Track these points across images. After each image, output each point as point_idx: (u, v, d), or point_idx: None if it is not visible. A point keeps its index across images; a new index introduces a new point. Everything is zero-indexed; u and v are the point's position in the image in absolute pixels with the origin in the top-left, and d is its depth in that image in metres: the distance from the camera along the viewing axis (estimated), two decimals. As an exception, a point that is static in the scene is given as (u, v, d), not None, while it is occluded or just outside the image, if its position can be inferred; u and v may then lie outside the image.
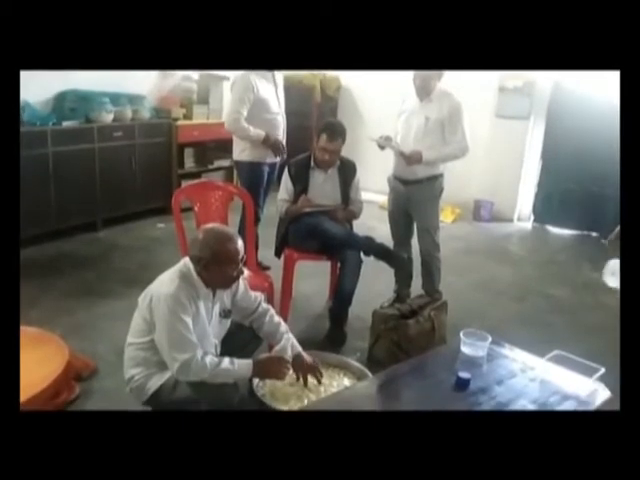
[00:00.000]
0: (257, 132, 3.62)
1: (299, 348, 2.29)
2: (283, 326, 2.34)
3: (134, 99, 5.05)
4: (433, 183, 3.32)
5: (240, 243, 2.11)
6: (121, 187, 4.99)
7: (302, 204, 3.21)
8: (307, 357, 2.28)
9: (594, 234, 5.70)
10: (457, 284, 4.04)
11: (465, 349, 2.13)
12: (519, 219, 6.23)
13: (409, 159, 3.17)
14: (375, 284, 3.65)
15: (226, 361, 2.02)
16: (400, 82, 3.51)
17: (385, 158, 3.66)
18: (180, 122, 5.42)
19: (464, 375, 1.91)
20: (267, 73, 3.66)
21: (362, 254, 3.13)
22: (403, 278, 3.54)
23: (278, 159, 3.89)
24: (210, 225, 2.19)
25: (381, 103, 6.20)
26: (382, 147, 3.32)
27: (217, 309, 2.22)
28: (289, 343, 2.19)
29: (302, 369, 2.24)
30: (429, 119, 3.17)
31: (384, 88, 5.87)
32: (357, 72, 6.35)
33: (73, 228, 4.65)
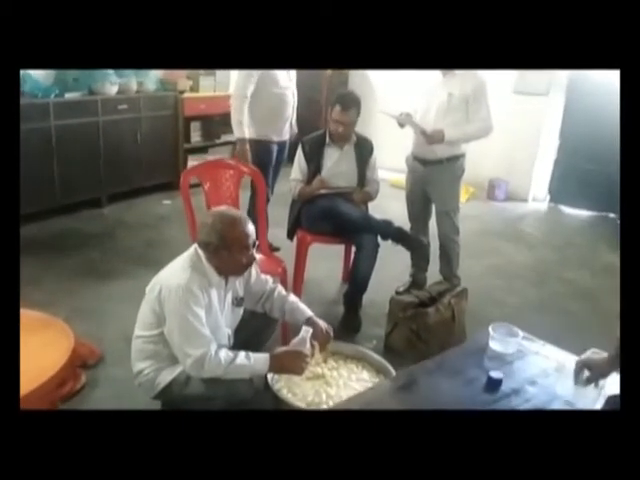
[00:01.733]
0: (242, 130, 3.43)
1: (309, 312, 2.18)
2: (291, 296, 2.23)
3: (139, 70, 4.84)
4: (454, 164, 3.16)
5: (250, 227, 1.98)
6: (126, 162, 4.83)
7: (316, 185, 3.06)
8: (321, 322, 2.15)
9: (611, 215, 5.54)
10: (473, 268, 3.90)
11: (494, 345, 2.00)
12: (534, 199, 6.07)
13: (431, 138, 2.99)
14: (389, 267, 3.52)
15: (241, 356, 1.90)
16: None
17: (398, 134, 3.47)
18: (186, 95, 5.24)
19: (496, 375, 1.79)
20: None
21: (379, 238, 2.99)
22: (420, 262, 3.41)
23: (287, 137, 3.72)
24: (218, 208, 2.06)
25: (394, 76, 6.01)
26: (402, 125, 3.14)
27: (230, 297, 2.11)
28: (308, 335, 2.06)
29: (315, 335, 2.08)
30: (452, 95, 2.99)
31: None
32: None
33: (77, 204, 4.51)
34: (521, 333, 2.01)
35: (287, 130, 3.72)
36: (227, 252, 1.92)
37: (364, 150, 3.20)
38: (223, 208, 2.10)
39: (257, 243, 2.01)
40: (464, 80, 2.98)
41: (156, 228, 4.38)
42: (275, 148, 3.65)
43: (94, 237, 4.08)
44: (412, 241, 3.03)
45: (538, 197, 6.07)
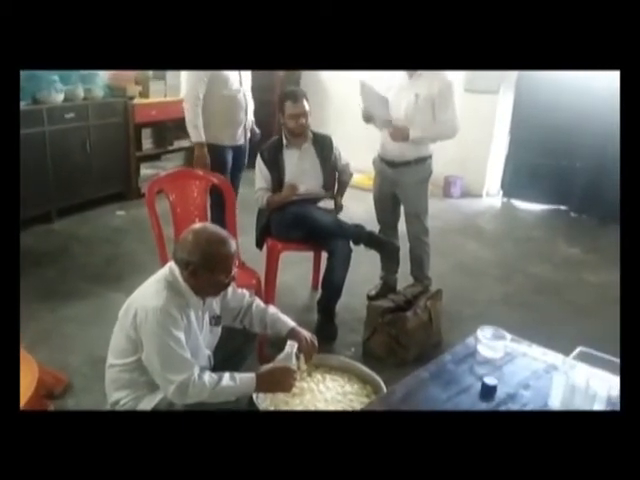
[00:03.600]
0: (199, 134, 3.32)
1: (292, 323, 2.10)
2: (270, 307, 2.15)
3: (86, 76, 4.64)
4: (422, 165, 3.14)
5: (234, 247, 1.88)
6: (75, 173, 4.59)
7: (287, 193, 2.98)
8: (304, 332, 2.08)
9: (563, 207, 5.69)
10: (439, 266, 3.88)
11: (482, 350, 1.99)
12: (488, 194, 6.17)
13: (396, 131, 2.96)
14: (358, 268, 3.47)
15: (226, 377, 1.81)
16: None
17: (354, 134, 3.41)
18: (136, 100, 5.04)
19: (490, 381, 1.77)
20: None
21: (351, 243, 2.95)
22: (391, 265, 3.38)
23: (242, 142, 3.61)
24: (201, 225, 1.95)
25: (346, 74, 5.98)
26: (367, 120, 3.08)
27: (207, 317, 2.00)
28: (293, 349, 1.99)
29: (300, 347, 2.01)
30: (419, 96, 2.97)
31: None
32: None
33: (25, 221, 4.21)
34: (509, 335, 2.00)
35: (241, 134, 3.59)
36: (208, 273, 1.82)
37: (324, 146, 3.16)
38: (206, 225, 1.99)
39: (237, 262, 1.92)
40: (431, 81, 2.96)
41: (112, 242, 4.18)
42: (229, 153, 3.53)
43: (47, 255, 3.85)
44: (385, 245, 3.00)
45: (491, 192, 6.18)
